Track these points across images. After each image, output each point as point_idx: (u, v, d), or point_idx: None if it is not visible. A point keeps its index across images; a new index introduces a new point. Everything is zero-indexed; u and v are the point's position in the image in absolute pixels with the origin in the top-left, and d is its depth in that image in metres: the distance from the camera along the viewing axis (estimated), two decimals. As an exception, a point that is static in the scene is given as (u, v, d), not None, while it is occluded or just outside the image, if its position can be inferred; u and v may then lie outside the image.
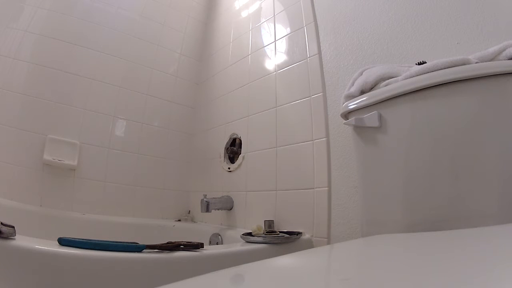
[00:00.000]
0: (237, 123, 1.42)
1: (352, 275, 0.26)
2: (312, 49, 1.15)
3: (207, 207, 1.20)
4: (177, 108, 1.70)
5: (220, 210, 1.33)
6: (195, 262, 0.68)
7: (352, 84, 0.76)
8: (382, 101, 0.64)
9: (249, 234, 0.93)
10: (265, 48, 1.39)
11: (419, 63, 0.64)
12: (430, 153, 0.56)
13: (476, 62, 0.55)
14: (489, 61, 0.55)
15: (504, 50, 0.55)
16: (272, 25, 1.39)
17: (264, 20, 1.45)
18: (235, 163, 1.37)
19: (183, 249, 0.68)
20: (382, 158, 0.65)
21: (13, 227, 0.54)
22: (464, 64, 0.54)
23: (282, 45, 1.30)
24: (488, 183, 0.51)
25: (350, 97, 0.74)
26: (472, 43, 0.73)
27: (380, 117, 0.64)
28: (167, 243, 0.68)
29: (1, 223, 0.53)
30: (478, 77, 0.52)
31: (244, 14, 1.62)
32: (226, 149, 1.45)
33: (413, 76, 0.59)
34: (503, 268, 0.21)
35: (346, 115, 0.75)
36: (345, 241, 0.87)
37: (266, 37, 1.41)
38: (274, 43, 1.34)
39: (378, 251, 0.39)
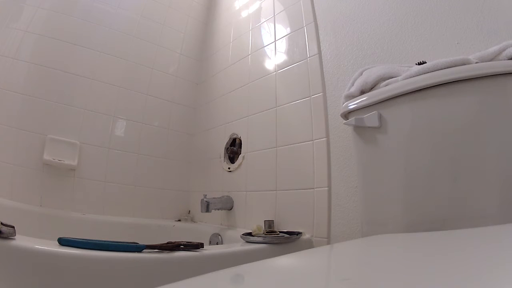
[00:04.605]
0: (237, 123, 1.42)
1: (352, 275, 0.26)
2: (312, 49, 1.15)
3: (207, 207, 1.20)
4: (177, 108, 1.70)
5: (220, 210, 1.33)
6: (195, 262, 0.68)
7: (352, 84, 0.76)
8: (382, 101, 0.64)
9: (249, 234, 0.93)
10: (265, 48, 1.39)
11: (419, 63, 0.64)
12: (430, 153, 0.56)
13: (476, 62, 0.55)
14: (489, 61, 0.55)
15: (504, 50, 0.55)
16: (272, 25, 1.39)
17: (264, 20, 1.45)
18: (235, 163, 1.37)
19: (183, 249, 0.68)
20: (382, 158, 0.65)
21: (13, 227, 0.54)
22: (464, 64, 0.54)
23: (282, 45, 1.30)
24: (488, 183, 0.51)
25: (350, 97, 0.74)
26: (472, 43, 0.73)
27: (380, 117, 0.64)
28: (167, 243, 0.68)
29: (1, 223, 0.53)
30: (478, 77, 0.52)
31: (244, 14, 1.62)
32: (226, 149, 1.45)
33: (413, 76, 0.59)
34: (503, 268, 0.21)
35: (346, 115, 0.75)
36: (345, 241, 0.87)
37: (266, 37, 1.41)
38: (274, 43, 1.34)
39: (378, 251, 0.39)
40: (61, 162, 1.25)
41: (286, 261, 0.36)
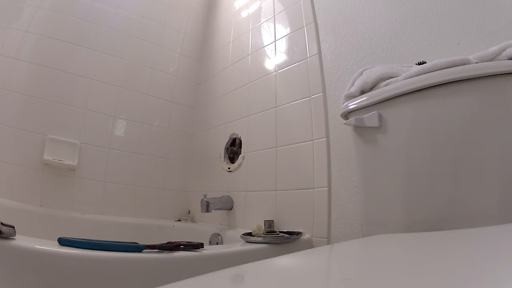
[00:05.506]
0: (237, 123, 1.42)
1: (352, 275, 0.26)
2: (312, 49, 1.15)
3: (207, 207, 1.20)
4: (177, 108, 1.70)
5: (220, 210, 1.33)
6: (195, 262, 0.68)
7: (352, 84, 0.76)
8: (382, 101, 0.64)
9: (249, 234, 0.93)
10: (265, 48, 1.39)
11: (419, 63, 0.64)
12: (430, 153, 0.56)
13: (476, 62, 0.55)
14: (489, 61, 0.55)
15: (504, 50, 0.55)
16: (272, 25, 1.39)
17: (264, 20, 1.45)
18: (235, 163, 1.37)
19: (183, 249, 0.68)
20: (382, 158, 0.65)
21: (13, 227, 0.54)
22: (464, 64, 0.54)
23: (282, 45, 1.30)
24: (488, 183, 0.50)
25: (350, 97, 0.74)
26: (472, 43, 0.73)
27: (380, 117, 0.64)
28: (167, 243, 0.68)
29: (1, 223, 0.53)
30: (478, 77, 0.52)
31: (244, 14, 1.62)
32: (226, 149, 1.45)
33: (413, 76, 0.59)
34: (503, 268, 0.21)
35: (346, 115, 0.75)
36: (345, 241, 0.87)
37: (266, 37, 1.41)
38: (274, 43, 1.34)
39: (378, 251, 0.39)
40: (61, 162, 1.25)
41: (286, 261, 0.36)
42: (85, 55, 1.40)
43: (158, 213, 1.51)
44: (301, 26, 1.22)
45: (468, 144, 0.52)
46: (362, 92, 0.72)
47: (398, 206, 0.60)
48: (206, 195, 1.25)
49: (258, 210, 1.19)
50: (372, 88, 0.70)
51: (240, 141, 1.39)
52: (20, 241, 0.54)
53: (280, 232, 0.97)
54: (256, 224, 0.98)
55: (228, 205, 1.31)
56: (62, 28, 1.36)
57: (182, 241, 0.70)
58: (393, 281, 0.21)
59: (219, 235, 1.21)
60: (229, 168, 1.39)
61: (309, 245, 0.96)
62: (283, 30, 1.32)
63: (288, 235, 0.91)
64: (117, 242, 0.63)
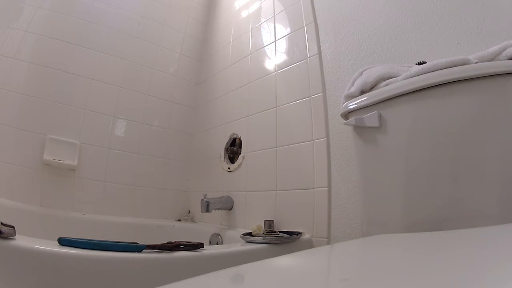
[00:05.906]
0: (237, 123, 1.42)
1: (352, 275, 0.26)
2: (312, 49, 1.15)
3: (207, 207, 1.20)
4: (177, 108, 1.70)
5: (220, 210, 1.33)
6: (195, 262, 0.68)
7: (352, 84, 0.76)
8: (382, 101, 0.64)
9: (249, 234, 0.93)
10: (265, 48, 1.39)
11: (419, 63, 0.64)
12: (430, 153, 0.56)
13: (476, 62, 0.55)
14: (489, 61, 0.55)
15: (504, 50, 0.55)
16: (272, 25, 1.39)
17: (264, 20, 1.45)
18: (235, 163, 1.37)
19: (183, 249, 0.68)
20: (382, 158, 0.65)
21: (13, 227, 0.54)
22: (464, 64, 0.54)
23: (282, 45, 1.30)
24: (488, 183, 0.50)
25: (350, 97, 0.74)
26: (472, 43, 0.73)
27: (380, 117, 0.64)
28: (167, 243, 0.68)
29: (1, 223, 0.53)
30: (478, 77, 0.52)
31: (244, 14, 1.62)
32: (226, 149, 1.45)
33: (413, 76, 0.59)
34: (503, 268, 0.21)
35: (346, 115, 0.75)
36: (345, 241, 0.87)
37: (266, 37, 1.41)
38: (274, 43, 1.34)
39: (378, 251, 0.39)
40: (61, 162, 1.25)
41: (286, 261, 0.36)
42: (85, 55, 1.40)
43: (158, 213, 1.51)
44: (301, 26, 1.22)
45: (468, 144, 0.52)
46: (362, 92, 0.72)
47: (398, 206, 0.60)
48: (206, 195, 1.25)
49: (258, 210, 1.19)
50: (372, 88, 0.70)
51: (240, 141, 1.39)
52: (20, 241, 0.54)
53: (280, 232, 0.97)
54: (256, 224, 0.98)
55: (228, 205, 1.31)
56: (62, 28, 1.36)
57: (182, 241, 0.70)
58: (393, 281, 0.21)
59: (219, 235, 1.21)
60: (229, 168, 1.39)
61: (309, 245, 0.96)
62: (283, 30, 1.32)
63: (288, 235, 0.91)
64: (117, 242, 0.63)
